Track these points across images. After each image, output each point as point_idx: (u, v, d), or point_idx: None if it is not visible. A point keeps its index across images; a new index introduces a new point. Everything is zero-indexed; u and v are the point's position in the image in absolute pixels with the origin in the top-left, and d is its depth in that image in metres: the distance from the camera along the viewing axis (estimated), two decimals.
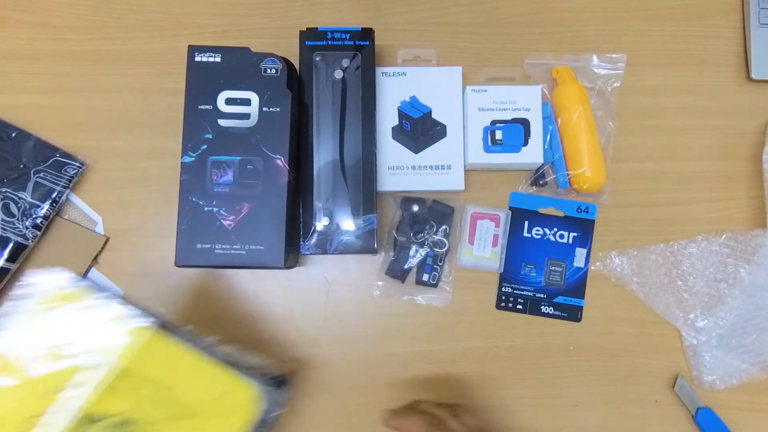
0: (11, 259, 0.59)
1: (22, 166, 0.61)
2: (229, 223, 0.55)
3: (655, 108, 0.66)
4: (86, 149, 0.64)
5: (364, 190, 0.58)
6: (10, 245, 0.59)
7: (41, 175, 0.60)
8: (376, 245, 0.57)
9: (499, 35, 0.67)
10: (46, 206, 0.60)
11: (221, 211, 0.55)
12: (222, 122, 0.57)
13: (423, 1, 0.68)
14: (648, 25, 0.68)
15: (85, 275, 0.62)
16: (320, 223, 0.57)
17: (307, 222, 0.58)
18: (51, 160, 0.61)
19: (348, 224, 0.57)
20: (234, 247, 0.55)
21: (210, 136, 0.56)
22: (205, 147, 0.56)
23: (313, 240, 0.57)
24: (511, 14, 0.68)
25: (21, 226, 0.59)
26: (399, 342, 0.63)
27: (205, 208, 0.55)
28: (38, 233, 0.60)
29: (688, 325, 0.62)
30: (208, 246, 0.55)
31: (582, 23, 0.68)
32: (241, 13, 0.67)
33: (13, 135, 0.62)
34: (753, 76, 0.66)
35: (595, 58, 0.65)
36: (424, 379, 0.62)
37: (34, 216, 0.60)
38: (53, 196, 0.61)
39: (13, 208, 0.59)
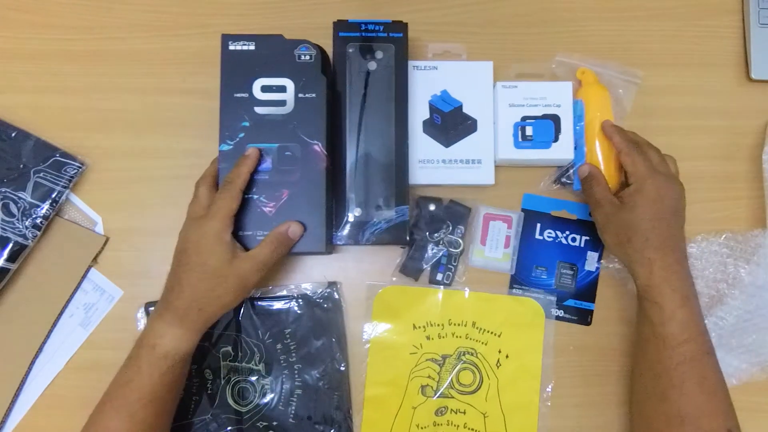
0: (11, 259, 0.59)
1: (21, 166, 0.61)
2: (270, 209, 0.55)
3: (656, 108, 0.66)
4: (86, 149, 0.64)
5: (396, 182, 0.58)
6: (10, 245, 0.59)
7: (41, 175, 0.60)
8: (407, 237, 0.58)
9: (500, 35, 0.67)
10: (45, 206, 0.60)
11: (261, 198, 0.56)
12: (258, 109, 0.57)
13: (423, 1, 0.67)
14: (648, 25, 0.68)
15: (84, 275, 0.62)
16: (352, 214, 0.58)
17: (340, 212, 0.58)
18: (51, 160, 0.61)
19: (380, 215, 0.57)
20: None
21: (247, 123, 0.57)
22: (242, 135, 0.56)
23: (346, 230, 0.57)
24: (509, 15, 0.67)
25: (21, 226, 0.59)
26: None
27: (245, 196, 0.55)
28: (38, 233, 0.60)
29: None
30: (250, 233, 0.55)
31: (581, 23, 0.68)
32: (241, 13, 0.67)
33: (13, 135, 0.62)
34: (753, 76, 0.66)
35: (615, 66, 0.65)
36: None
37: (34, 216, 0.60)
38: (53, 195, 0.61)
39: (13, 208, 0.59)
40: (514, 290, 0.63)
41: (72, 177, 0.62)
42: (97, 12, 0.66)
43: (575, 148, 0.62)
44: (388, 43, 0.59)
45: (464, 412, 0.61)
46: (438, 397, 0.61)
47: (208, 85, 0.65)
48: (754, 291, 0.61)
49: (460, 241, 0.62)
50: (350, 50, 0.59)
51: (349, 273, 0.63)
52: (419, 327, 0.62)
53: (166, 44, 0.66)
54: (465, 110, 0.62)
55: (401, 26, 0.60)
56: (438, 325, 0.62)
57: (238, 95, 0.57)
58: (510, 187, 0.64)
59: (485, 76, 0.63)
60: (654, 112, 0.66)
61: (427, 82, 0.63)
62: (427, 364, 0.61)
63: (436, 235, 0.62)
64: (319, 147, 0.56)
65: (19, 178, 0.60)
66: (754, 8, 0.67)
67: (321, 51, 0.58)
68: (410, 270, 0.62)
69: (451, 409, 0.61)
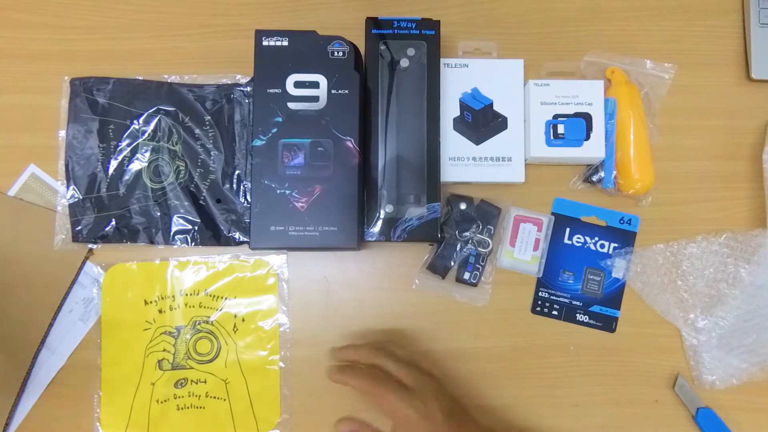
0: None
1: None
2: (302, 204, 0.56)
3: (656, 108, 0.66)
4: None
5: (428, 179, 0.58)
6: None
7: None
8: (439, 234, 0.58)
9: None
10: None
11: (294, 194, 0.56)
12: (291, 105, 0.57)
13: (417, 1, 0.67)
14: (648, 25, 0.68)
15: (80, 269, 0.62)
16: (384, 210, 0.58)
17: (372, 209, 0.58)
18: None
19: (412, 212, 0.58)
20: (307, 228, 0.56)
21: (280, 119, 0.57)
22: (275, 130, 0.57)
23: (377, 227, 0.58)
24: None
25: None
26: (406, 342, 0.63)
27: (278, 191, 0.56)
28: None
29: (688, 325, 0.62)
30: (282, 228, 0.56)
31: (581, 23, 0.68)
32: (241, 13, 0.67)
33: None
34: (753, 76, 0.66)
35: (648, 63, 0.65)
36: None
37: None
38: None
39: None
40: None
41: None
42: (97, 12, 0.66)
43: (606, 146, 0.62)
44: (420, 40, 0.59)
45: (205, 381, 0.61)
46: (175, 369, 0.61)
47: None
48: (754, 291, 0.61)
49: (489, 241, 0.62)
50: (382, 47, 0.59)
51: (350, 272, 0.63)
52: (151, 302, 0.62)
53: (166, 44, 0.66)
54: (495, 108, 0.63)
55: (433, 24, 0.60)
56: (170, 297, 0.62)
57: (272, 91, 0.57)
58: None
59: (516, 74, 0.63)
60: (654, 111, 0.66)
61: (457, 80, 0.63)
62: (161, 338, 0.61)
63: (465, 234, 0.62)
64: (351, 143, 0.57)
65: None
66: (754, 8, 0.67)
67: (354, 47, 0.58)
68: (438, 267, 0.62)
69: (192, 380, 0.61)
